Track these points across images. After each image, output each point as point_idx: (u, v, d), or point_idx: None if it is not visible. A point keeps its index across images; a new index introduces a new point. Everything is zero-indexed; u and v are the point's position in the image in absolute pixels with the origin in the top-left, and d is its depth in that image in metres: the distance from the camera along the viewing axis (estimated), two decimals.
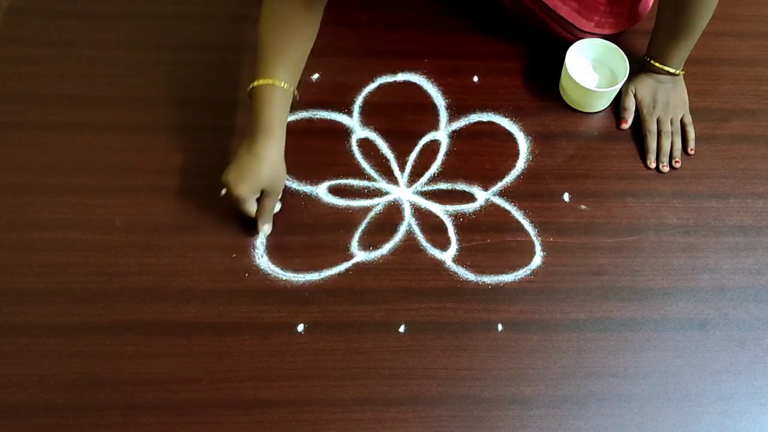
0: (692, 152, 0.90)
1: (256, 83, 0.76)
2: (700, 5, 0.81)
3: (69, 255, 0.79)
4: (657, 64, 0.90)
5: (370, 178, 0.86)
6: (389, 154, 0.88)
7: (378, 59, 0.96)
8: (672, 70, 0.90)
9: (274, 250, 0.81)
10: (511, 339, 0.77)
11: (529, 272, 0.81)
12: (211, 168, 0.85)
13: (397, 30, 0.99)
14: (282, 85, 0.77)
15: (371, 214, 0.84)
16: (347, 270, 0.80)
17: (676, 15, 0.84)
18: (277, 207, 0.81)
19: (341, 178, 0.86)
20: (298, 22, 0.79)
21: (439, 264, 0.81)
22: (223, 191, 0.79)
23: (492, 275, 0.81)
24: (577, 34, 0.92)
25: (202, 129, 0.89)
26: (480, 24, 1.00)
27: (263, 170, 0.76)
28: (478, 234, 0.83)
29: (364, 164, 0.87)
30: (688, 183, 0.89)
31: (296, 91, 0.79)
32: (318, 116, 0.91)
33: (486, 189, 0.86)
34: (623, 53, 0.89)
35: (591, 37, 0.92)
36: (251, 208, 0.79)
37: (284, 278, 0.79)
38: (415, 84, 0.94)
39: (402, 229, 0.83)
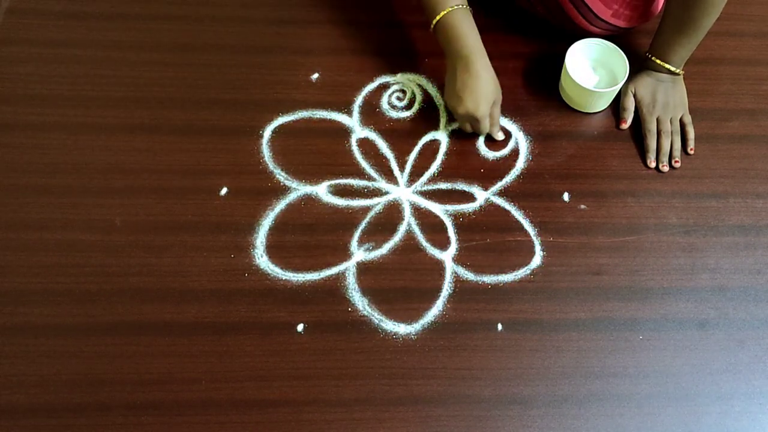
0: (692, 152, 0.90)
1: (441, 15, 0.81)
2: (709, 3, 0.82)
3: (69, 255, 0.79)
4: (658, 61, 0.90)
5: (369, 178, 0.86)
6: (389, 154, 0.88)
7: (378, 59, 0.96)
8: (672, 69, 0.90)
9: (273, 249, 0.81)
10: (510, 339, 0.77)
11: (528, 272, 0.81)
12: (211, 168, 0.86)
13: (397, 30, 0.99)
14: (462, 6, 0.82)
15: (371, 213, 0.84)
16: (347, 270, 0.80)
17: (684, 11, 0.84)
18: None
19: (341, 178, 0.86)
20: None
21: (438, 264, 0.81)
22: (223, 191, 0.79)
23: (492, 275, 0.81)
24: (593, 21, 0.91)
25: (202, 129, 0.89)
26: (480, 24, 1.00)
27: (491, 84, 0.83)
28: (477, 234, 0.83)
29: (364, 164, 0.87)
30: (688, 183, 0.89)
31: (469, 6, 0.84)
32: (318, 116, 0.91)
33: (486, 189, 0.86)
34: (623, 53, 0.89)
35: (605, 27, 0.91)
36: (488, 123, 0.85)
37: (284, 278, 0.79)
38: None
39: (402, 229, 0.83)
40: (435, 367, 0.75)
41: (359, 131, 0.90)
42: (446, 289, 0.79)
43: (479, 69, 0.82)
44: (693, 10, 0.83)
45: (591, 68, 0.93)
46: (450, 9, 0.81)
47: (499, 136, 0.89)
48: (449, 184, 0.87)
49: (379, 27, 0.99)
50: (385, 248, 0.82)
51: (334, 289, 0.79)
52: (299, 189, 0.85)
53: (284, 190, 0.85)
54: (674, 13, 0.85)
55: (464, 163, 0.88)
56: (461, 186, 0.87)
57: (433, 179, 0.87)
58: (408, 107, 0.92)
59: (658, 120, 0.91)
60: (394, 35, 0.98)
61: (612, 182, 0.88)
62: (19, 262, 0.79)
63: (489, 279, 0.81)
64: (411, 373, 0.75)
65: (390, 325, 0.77)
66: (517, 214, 0.85)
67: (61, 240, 0.80)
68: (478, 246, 0.82)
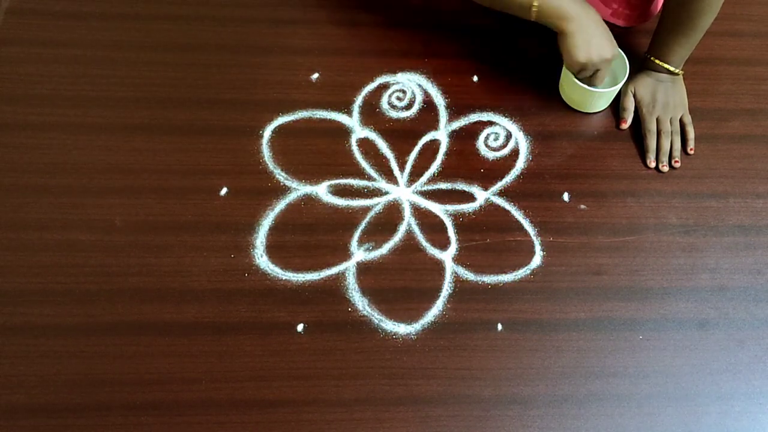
0: (692, 152, 0.90)
1: None
2: (706, 2, 0.82)
3: (69, 255, 0.79)
4: (657, 62, 0.90)
5: (369, 178, 0.86)
6: (389, 154, 0.88)
7: (378, 59, 0.96)
8: (672, 69, 0.90)
9: (273, 249, 0.81)
10: (510, 339, 0.77)
11: (528, 272, 0.81)
12: (211, 168, 0.86)
13: (397, 30, 0.99)
14: None
15: (371, 213, 0.84)
16: (347, 270, 0.80)
17: (681, 11, 0.84)
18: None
19: (341, 178, 0.86)
20: None
21: (438, 264, 0.81)
22: (223, 191, 0.79)
23: (492, 275, 0.81)
24: None
25: (203, 129, 0.89)
26: (480, 24, 1.00)
27: (606, 28, 0.83)
28: (477, 234, 0.83)
29: (364, 164, 0.87)
30: (688, 183, 0.89)
31: None
32: (318, 116, 0.91)
33: (486, 189, 0.86)
34: (623, 53, 0.89)
35: None
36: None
37: (284, 278, 0.79)
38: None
39: (402, 229, 0.83)
40: (435, 367, 0.75)
41: (359, 131, 0.90)
42: (446, 289, 0.79)
43: (599, 19, 0.82)
44: (691, 10, 0.83)
45: None
46: None
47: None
48: (449, 184, 0.87)
49: (379, 27, 0.99)
50: (385, 248, 0.82)
51: (334, 289, 0.79)
52: (299, 189, 0.85)
53: (284, 190, 0.85)
54: (672, 13, 0.85)
55: (464, 163, 0.88)
56: (461, 186, 0.87)
57: (433, 179, 0.87)
58: (408, 107, 0.92)
59: (658, 120, 0.91)
60: (394, 35, 0.98)
61: (612, 182, 0.88)
62: (19, 262, 0.79)
63: (489, 279, 0.81)
64: (411, 373, 0.75)
65: (390, 325, 0.77)
66: (517, 214, 0.85)
67: (61, 240, 0.80)
68: (478, 246, 0.82)
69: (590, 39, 0.81)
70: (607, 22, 0.90)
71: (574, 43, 0.82)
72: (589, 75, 0.86)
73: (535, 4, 0.81)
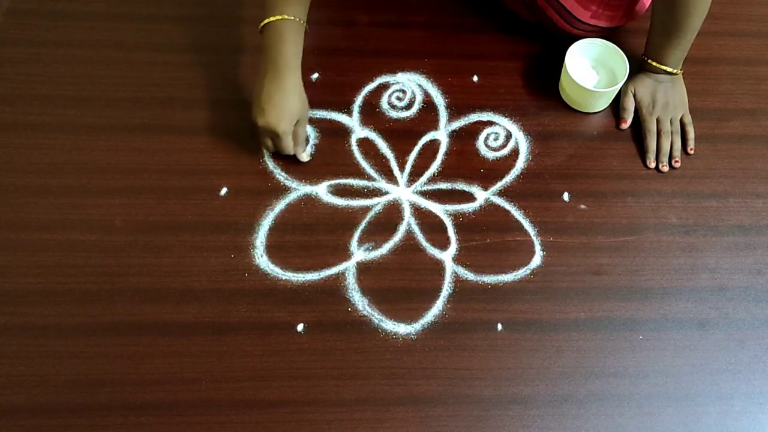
0: (692, 152, 0.90)
1: (268, 20, 0.78)
2: (692, 3, 0.81)
3: (69, 255, 0.79)
4: (655, 64, 0.90)
5: (369, 178, 0.86)
6: (389, 154, 0.88)
7: (378, 59, 0.96)
8: (670, 70, 0.90)
9: (273, 249, 0.81)
10: (510, 339, 0.77)
11: (528, 272, 0.81)
12: (211, 168, 0.86)
13: (397, 30, 0.99)
14: (299, 20, 0.79)
15: (371, 213, 0.84)
16: (347, 270, 0.80)
17: (668, 13, 0.84)
18: (311, 132, 0.85)
19: (341, 178, 0.86)
20: None
21: (438, 264, 0.81)
22: (223, 191, 0.79)
23: (492, 275, 0.81)
24: (574, 24, 0.91)
25: (203, 129, 0.89)
26: (480, 24, 1.00)
27: (297, 101, 0.80)
28: (477, 234, 0.83)
29: (364, 164, 0.87)
30: (688, 183, 0.89)
31: (307, 26, 0.81)
32: (317, 116, 0.91)
33: (485, 189, 0.86)
34: (623, 53, 0.89)
35: (588, 29, 0.92)
36: (290, 142, 0.82)
37: (284, 278, 0.79)
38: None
39: (402, 229, 0.83)
40: (435, 367, 0.75)
41: (359, 131, 0.90)
42: (446, 289, 0.79)
43: (288, 84, 0.79)
44: (678, 12, 0.82)
45: (591, 68, 0.93)
46: (285, 17, 0.78)
47: (304, 157, 0.85)
48: (449, 184, 0.87)
49: (379, 27, 0.99)
50: (385, 248, 0.82)
51: (334, 289, 0.79)
52: (299, 189, 0.85)
53: (284, 190, 0.85)
54: (660, 16, 0.85)
55: (464, 163, 0.88)
56: (461, 186, 0.87)
57: (433, 179, 0.87)
58: (408, 107, 0.92)
59: (658, 120, 0.91)
60: (394, 35, 0.98)
61: (612, 182, 0.88)
62: (19, 262, 0.79)
63: (489, 279, 0.81)
64: (411, 373, 0.75)
65: (390, 325, 0.77)
66: (517, 214, 0.85)
67: (61, 240, 0.80)
68: (478, 246, 0.82)
69: (270, 100, 0.78)
70: (591, 24, 0.90)
71: (258, 94, 0.79)
72: (263, 140, 0.82)
73: (267, 20, 0.78)
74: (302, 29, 0.81)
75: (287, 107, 0.79)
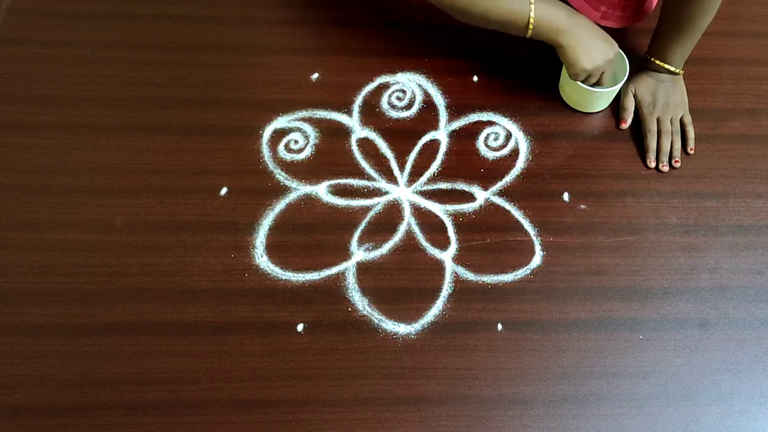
0: (692, 152, 0.90)
1: (532, 7, 0.80)
2: (705, 2, 0.82)
3: (69, 255, 0.79)
4: (658, 62, 0.90)
5: (369, 178, 0.86)
6: (389, 154, 0.88)
7: (378, 59, 0.96)
8: (672, 69, 0.90)
9: (273, 249, 0.81)
10: (510, 339, 0.77)
11: (528, 272, 0.81)
12: (211, 168, 0.86)
13: (397, 30, 0.99)
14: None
15: (371, 213, 0.84)
16: (347, 270, 0.80)
17: (680, 10, 0.84)
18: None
19: (341, 178, 0.86)
20: None
21: (438, 264, 0.81)
22: (223, 191, 0.79)
23: (492, 275, 0.81)
24: None
25: (203, 129, 0.89)
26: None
27: (602, 32, 0.85)
28: (477, 234, 0.83)
29: (364, 164, 0.87)
30: (688, 183, 0.89)
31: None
32: (317, 116, 0.91)
33: (485, 188, 0.86)
34: (623, 53, 0.89)
35: None
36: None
37: (284, 278, 0.79)
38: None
39: (402, 229, 0.83)
40: (435, 367, 0.75)
41: (359, 131, 0.90)
42: (446, 289, 0.79)
43: (593, 25, 0.84)
44: (690, 10, 0.83)
45: None
46: (531, 2, 0.81)
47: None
48: (449, 183, 0.87)
49: (379, 27, 0.99)
50: (385, 248, 0.82)
51: (334, 289, 0.79)
52: (299, 189, 0.85)
53: (284, 190, 0.85)
54: (671, 13, 0.85)
55: (464, 163, 0.88)
56: (461, 186, 0.87)
57: (433, 179, 0.87)
58: (408, 107, 0.92)
59: (658, 120, 0.91)
60: (394, 35, 0.98)
61: (612, 182, 0.88)
62: (19, 262, 0.79)
63: (489, 279, 0.81)
64: (411, 373, 0.75)
65: (390, 325, 0.77)
66: (517, 214, 0.85)
67: (61, 240, 0.80)
68: (478, 246, 0.82)
69: (589, 45, 0.82)
70: (600, 26, 0.90)
71: (576, 54, 0.82)
72: (596, 79, 0.86)
73: (532, 22, 0.81)
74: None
75: (603, 36, 0.84)
